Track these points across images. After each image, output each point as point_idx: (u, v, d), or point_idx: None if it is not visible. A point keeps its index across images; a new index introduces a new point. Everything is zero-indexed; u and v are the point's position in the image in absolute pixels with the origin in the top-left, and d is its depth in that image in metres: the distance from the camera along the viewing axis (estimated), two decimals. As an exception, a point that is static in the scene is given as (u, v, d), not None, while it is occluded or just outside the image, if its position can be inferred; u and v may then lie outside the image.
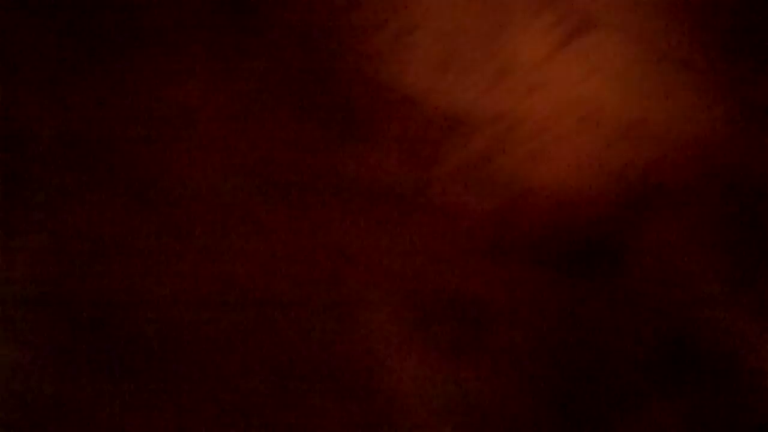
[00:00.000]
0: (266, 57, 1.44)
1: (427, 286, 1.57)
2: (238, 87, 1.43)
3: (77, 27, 1.41)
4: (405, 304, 1.55)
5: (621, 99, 1.57)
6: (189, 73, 1.41)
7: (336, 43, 1.44)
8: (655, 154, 1.59)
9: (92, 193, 1.36)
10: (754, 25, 1.56)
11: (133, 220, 1.36)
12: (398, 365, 1.48)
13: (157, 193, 1.38)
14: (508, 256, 1.62)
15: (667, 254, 1.63)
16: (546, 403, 1.58)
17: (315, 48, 1.45)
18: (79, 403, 1.29)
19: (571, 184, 1.61)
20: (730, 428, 1.56)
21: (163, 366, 1.33)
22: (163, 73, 1.41)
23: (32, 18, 1.40)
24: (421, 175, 1.54)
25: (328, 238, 1.45)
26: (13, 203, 1.34)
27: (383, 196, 1.51)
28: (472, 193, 1.58)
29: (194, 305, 1.36)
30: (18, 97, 1.37)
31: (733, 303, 1.61)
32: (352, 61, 1.45)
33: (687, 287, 1.61)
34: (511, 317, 1.60)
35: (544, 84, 1.53)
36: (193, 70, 1.42)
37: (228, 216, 1.40)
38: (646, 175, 1.60)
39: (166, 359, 1.33)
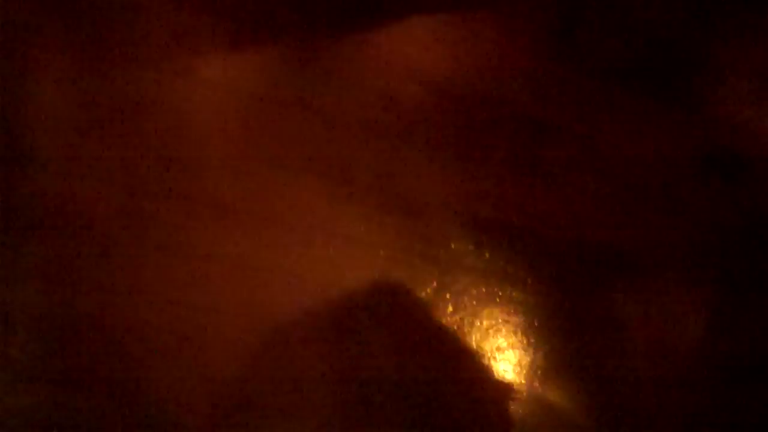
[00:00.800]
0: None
1: (478, 95, 1.51)
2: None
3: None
4: (457, 115, 1.49)
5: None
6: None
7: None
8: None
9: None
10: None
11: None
12: (440, 178, 1.45)
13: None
14: (572, 68, 1.55)
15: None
16: (597, 217, 1.55)
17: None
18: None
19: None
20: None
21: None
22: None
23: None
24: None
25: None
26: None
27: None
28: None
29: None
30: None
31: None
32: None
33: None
34: (568, 131, 1.55)
35: None
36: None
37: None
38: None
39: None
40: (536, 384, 1.48)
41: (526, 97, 1.58)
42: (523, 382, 1.47)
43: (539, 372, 1.49)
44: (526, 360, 1.49)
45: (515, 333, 1.49)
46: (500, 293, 1.49)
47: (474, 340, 1.46)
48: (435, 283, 1.45)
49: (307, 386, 1.32)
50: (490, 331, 1.48)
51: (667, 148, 1.66)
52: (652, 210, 1.64)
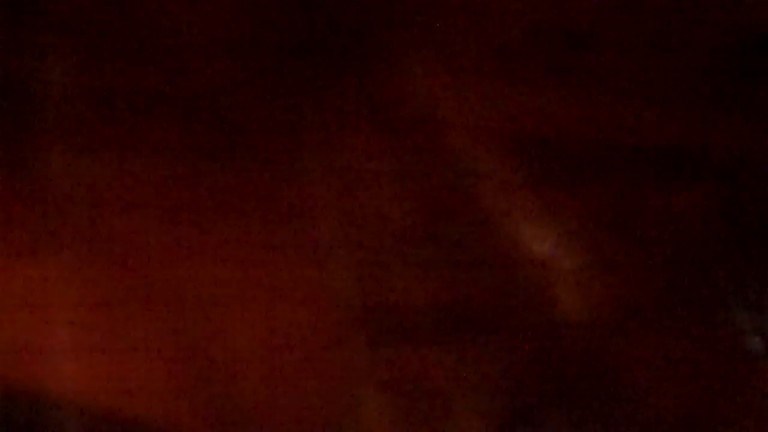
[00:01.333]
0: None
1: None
2: None
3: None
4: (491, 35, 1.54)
5: None
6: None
7: None
8: None
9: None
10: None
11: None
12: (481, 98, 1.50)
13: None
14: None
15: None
16: (642, 118, 1.58)
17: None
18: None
19: None
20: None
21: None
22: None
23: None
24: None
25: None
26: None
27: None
28: None
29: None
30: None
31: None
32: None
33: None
34: (601, 39, 1.58)
35: None
36: None
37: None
38: None
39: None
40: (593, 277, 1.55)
41: (558, 10, 1.61)
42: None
43: (599, 268, 1.56)
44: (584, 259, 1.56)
45: (565, 238, 1.56)
46: (550, 202, 1.56)
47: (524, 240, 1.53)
48: (486, 202, 1.52)
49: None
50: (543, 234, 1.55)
51: (705, 38, 1.68)
52: (696, 103, 1.67)
